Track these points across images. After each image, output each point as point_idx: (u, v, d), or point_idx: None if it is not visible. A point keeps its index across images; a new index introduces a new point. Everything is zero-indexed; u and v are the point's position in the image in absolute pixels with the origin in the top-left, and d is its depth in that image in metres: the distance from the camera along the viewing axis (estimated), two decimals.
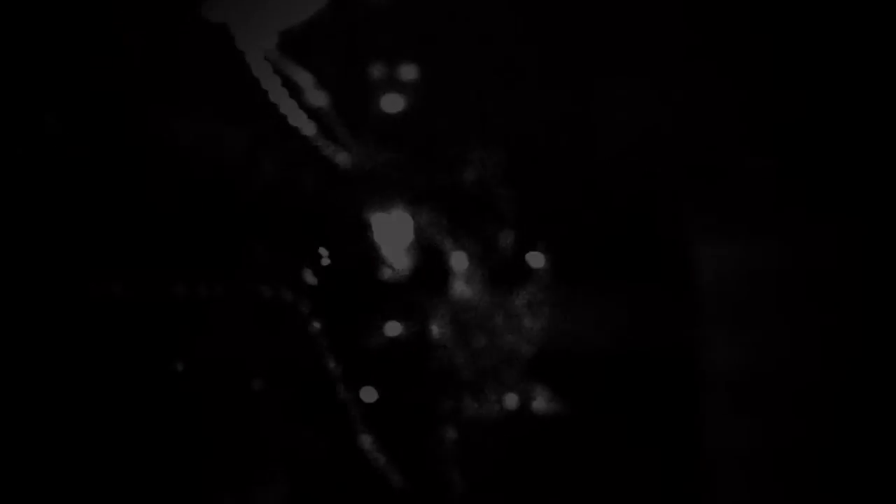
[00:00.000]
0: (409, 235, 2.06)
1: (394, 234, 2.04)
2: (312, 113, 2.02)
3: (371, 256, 1.99)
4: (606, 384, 2.58)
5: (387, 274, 1.97)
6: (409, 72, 2.12)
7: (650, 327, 2.79)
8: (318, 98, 2.03)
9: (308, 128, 2.00)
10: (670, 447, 2.73)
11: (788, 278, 2.73)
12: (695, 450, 2.73)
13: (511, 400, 2.07)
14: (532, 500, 2.09)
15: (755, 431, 2.71)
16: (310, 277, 1.81)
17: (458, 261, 2.08)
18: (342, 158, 2.02)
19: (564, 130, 2.29)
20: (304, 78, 1.98)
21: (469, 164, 2.07)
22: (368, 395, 1.83)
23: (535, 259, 2.10)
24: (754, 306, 2.77)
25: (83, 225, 1.73)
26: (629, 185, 2.64)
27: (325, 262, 1.73)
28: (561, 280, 2.44)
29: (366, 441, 1.81)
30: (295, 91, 2.00)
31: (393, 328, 1.85)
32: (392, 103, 2.14)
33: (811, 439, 2.70)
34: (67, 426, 1.69)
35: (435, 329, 2.03)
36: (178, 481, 1.70)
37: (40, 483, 1.68)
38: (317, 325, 1.76)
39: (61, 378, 1.69)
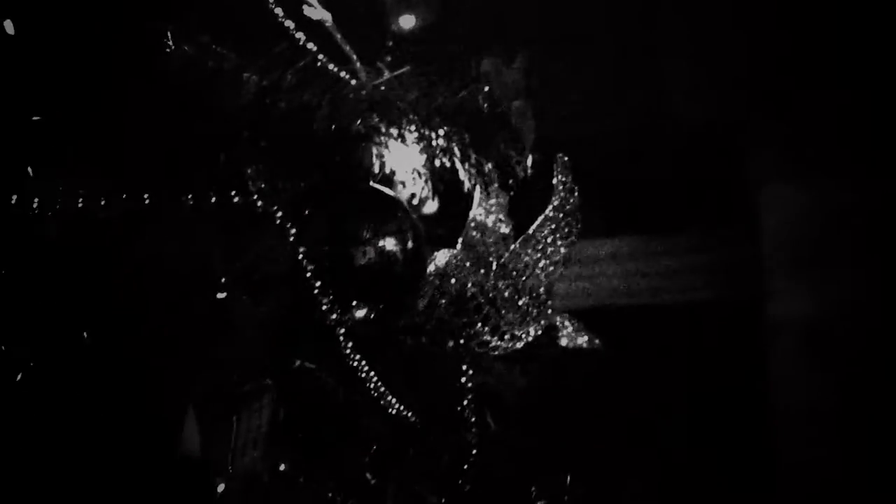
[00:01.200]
0: (421, 156, 1.94)
1: (406, 154, 1.93)
2: (320, 28, 1.92)
3: (379, 177, 1.87)
4: (667, 331, 2.45)
5: (393, 195, 1.85)
6: None
7: (715, 272, 2.66)
8: (326, 14, 1.93)
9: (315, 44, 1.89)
10: (736, 395, 2.58)
11: (856, 219, 2.58)
12: (763, 397, 2.59)
13: (532, 331, 1.93)
14: (567, 438, 1.95)
15: (824, 377, 2.56)
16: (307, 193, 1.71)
17: (475, 183, 1.95)
18: (353, 76, 1.91)
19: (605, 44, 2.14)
20: None
21: (486, 81, 1.94)
22: (361, 313, 1.71)
23: (559, 182, 1.96)
24: (822, 249, 2.61)
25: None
26: (687, 120, 2.50)
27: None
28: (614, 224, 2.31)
29: (358, 366, 1.69)
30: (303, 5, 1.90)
31: (391, 246, 1.73)
32: (406, 21, 2.03)
33: (881, 385, 2.55)
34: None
35: (445, 254, 1.90)
36: (159, 404, 1.60)
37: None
38: (304, 240, 1.64)
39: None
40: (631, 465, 2.27)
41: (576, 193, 1.97)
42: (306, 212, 1.63)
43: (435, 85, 1.93)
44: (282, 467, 1.61)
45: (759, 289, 2.63)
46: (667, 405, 2.48)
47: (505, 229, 1.97)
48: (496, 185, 1.95)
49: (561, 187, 1.97)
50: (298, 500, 1.58)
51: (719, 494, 2.50)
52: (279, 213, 1.63)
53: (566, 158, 1.97)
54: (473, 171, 1.95)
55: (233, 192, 1.61)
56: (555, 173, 1.97)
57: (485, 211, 1.96)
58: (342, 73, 1.90)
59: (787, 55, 2.47)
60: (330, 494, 1.64)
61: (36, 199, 1.57)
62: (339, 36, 1.93)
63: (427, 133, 1.91)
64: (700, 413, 2.55)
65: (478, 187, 1.94)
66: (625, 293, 2.54)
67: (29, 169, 1.62)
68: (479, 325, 1.88)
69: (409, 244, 1.73)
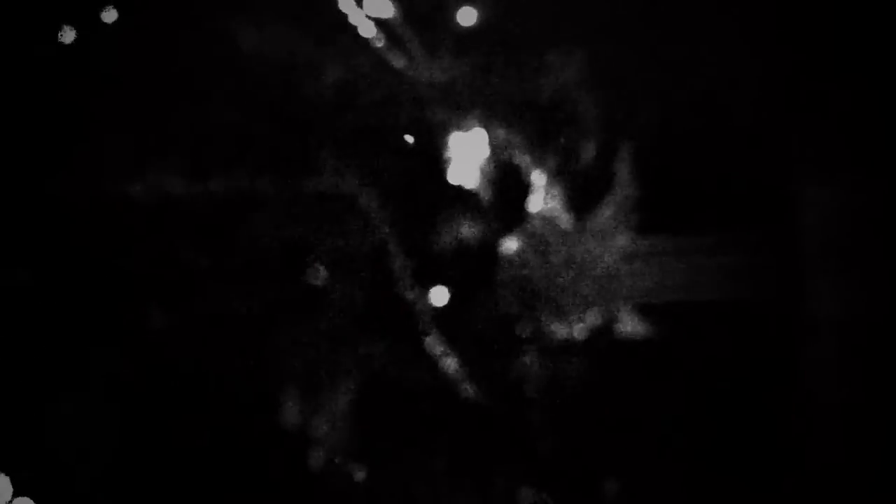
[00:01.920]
0: (485, 150, 1.97)
1: (469, 148, 1.96)
2: (381, 24, 1.95)
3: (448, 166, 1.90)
4: (705, 328, 2.47)
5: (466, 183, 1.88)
6: None
7: (749, 271, 2.68)
8: (388, 9, 1.96)
9: (377, 38, 1.92)
10: (770, 395, 2.61)
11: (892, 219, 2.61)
12: (797, 397, 2.62)
13: (593, 317, 1.96)
14: (610, 424, 1.98)
15: (859, 377, 2.59)
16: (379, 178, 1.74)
17: (538, 175, 1.99)
18: (414, 71, 1.94)
19: (658, 41, 2.18)
20: None
21: (547, 74, 1.98)
22: (439, 297, 1.74)
23: (619, 172, 2.00)
24: (858, 249, 2.65)
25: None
26: (728, 118, 2.53)
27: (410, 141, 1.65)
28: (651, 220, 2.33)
29: (434, 346, 1.72)
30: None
31: (466, 232, 1.76)
32: (466, 16, 2.06)
33: None
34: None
35: (513, 242, 1.93)
36: (241, 387, 1.62)
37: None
38: (386, 225, 1.68)
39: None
40: (668, 457, 2.29)
41: (638, 185, 2.00)
42: (389, 197, 1.65)
43: (498, 77, 1.97)
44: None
45: (795, 289, 2.66)
46: (702, 403, 2.51)
47: (567, 220, 2.00)
48: (559, 176, 1.98)
49: (623, 178, 2.00)
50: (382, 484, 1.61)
51: (748, 493, 2.53)
52: (362, 198, 1.66)
53: (629, 149, 2.00)
54: (536, 162, 1.98)
55: (318, 177, 1.65)
56: (617, 164, 2.00)
57: (548, 202, 1.99)
58: (406, 67, 1.93)
59: (827, 54, 2.50)
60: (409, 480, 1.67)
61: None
62: (402, 29, 1.97)
63: (491, 125, 1.94)
64: (733, 411, 2.58)
65: (540, 179, 1.97)
66: (668, 289, 2.57)
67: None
68: (545, 311, 1.91)
69: (482, 231, 1.76)
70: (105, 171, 1.63)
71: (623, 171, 1.99)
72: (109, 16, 1.67)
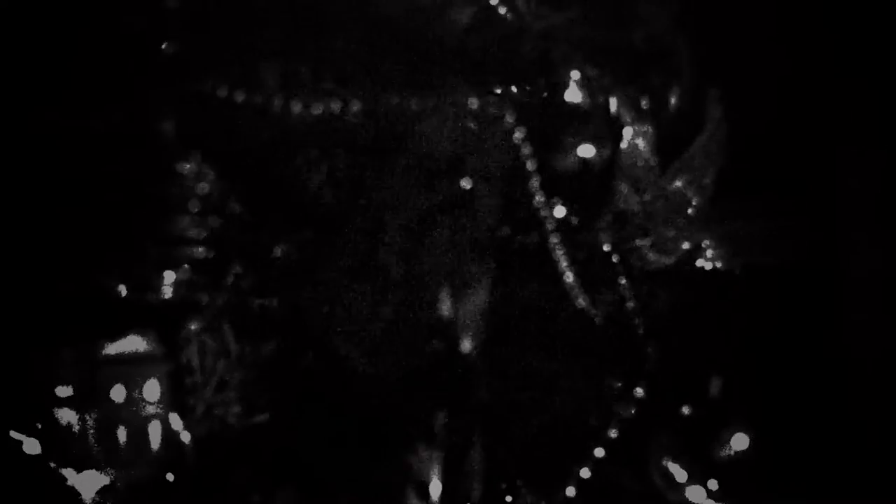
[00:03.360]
0: (581, 91, 2.12)
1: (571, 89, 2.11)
2: None
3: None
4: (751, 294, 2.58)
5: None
6: None
7: (790, 234, 2.85)
8: None
9: None
10: (813, 352, 2.78)
11: None
12: (838, 353, 2.78)
13: (684, 247, 2.12)
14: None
15: None
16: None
17: (628, 116, 2.14)
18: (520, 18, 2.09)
19: None
20: None
21: (638, 20, 2.13)
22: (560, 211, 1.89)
23: (711, 110, 2.16)
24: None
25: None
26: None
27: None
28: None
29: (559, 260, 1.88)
30: None
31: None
32: None
33: None
34: None
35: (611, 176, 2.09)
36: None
37: None
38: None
39: None
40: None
41: (725, 126, 2.16)
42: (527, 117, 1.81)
43: (595, 24, 2.12)
44: None
45: (836, 253, 2.83)
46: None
47: (654, 159, 2.15)
48: (650, 117, 2.14)
49: (712, 121, 2.16)
50: None
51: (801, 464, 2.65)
52: (506, 116, 1.81)
53: (718, 92, 2.16)
54: (628, 103, 2.14)
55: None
56: (707, 107, 2.16)
57: (638, 139, 2.14)
58: (510, 16, 2.08)
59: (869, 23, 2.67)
60: None
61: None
62: None
63: (588, 70, 2.10)
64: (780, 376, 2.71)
65: (631, 118, 2.13)
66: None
67: None
68: (639, 239, 2.08)
69: (604, 153, 1.93)
70: None
71: (714, 114, 2.15)
72: None
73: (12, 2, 1.74)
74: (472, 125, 1.78)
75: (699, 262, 2.18)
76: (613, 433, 1.93)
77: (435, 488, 1.74)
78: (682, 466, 1.98)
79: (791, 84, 2.74)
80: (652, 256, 2.10)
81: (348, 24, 1.85)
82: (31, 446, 1.73)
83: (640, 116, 2.14)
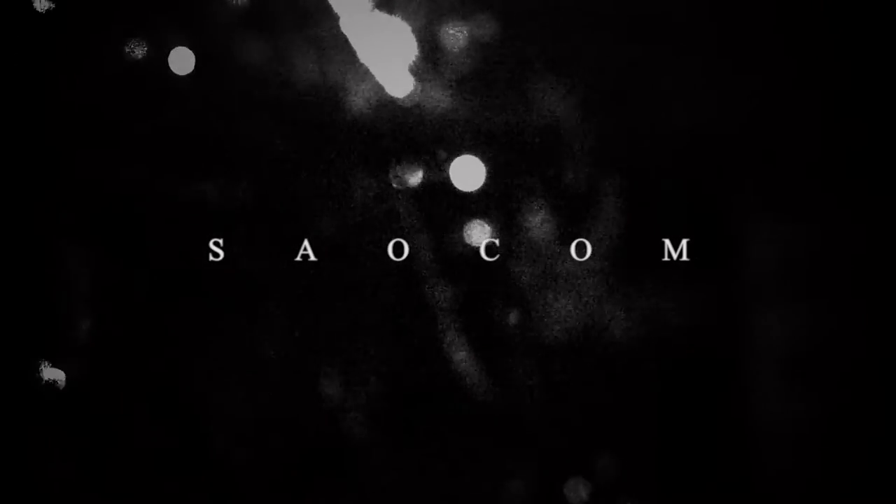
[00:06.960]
0: (480, 178, 2.18)
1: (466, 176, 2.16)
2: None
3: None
4: (652, 368, 2.60)
5: None
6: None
7: (696, 309, 2.85)
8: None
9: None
10: (717, 423, 2.78)
11: (831, 261, 2.79)
12: (744, 424, 2.78)
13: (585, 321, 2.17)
14: None
15: (804, 409, 2.74)
16: None
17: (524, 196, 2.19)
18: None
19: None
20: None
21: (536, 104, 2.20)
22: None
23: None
24: (801, 287, 2.82)
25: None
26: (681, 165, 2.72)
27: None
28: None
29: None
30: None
31: None
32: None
33: (859, 417, 2.73)
34: None
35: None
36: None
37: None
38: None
39: None
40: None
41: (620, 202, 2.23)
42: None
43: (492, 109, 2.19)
44: None
45: (740, 321, 2.83)
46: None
47: (552, 234, 2.21)
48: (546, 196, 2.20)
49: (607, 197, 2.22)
50: None
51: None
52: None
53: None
54: (524, 183, 2.20)
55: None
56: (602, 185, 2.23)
57: (535, 217, 2.19)
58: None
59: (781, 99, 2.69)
60: None
61: None
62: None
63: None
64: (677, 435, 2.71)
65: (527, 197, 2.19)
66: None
67: None
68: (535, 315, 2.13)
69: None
70: None
71: (608, 204, 2.21)
72: None
73: None
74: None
75: (600, 335, 2.23)
76: None
77: None
78: None
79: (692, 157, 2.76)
80: (553, 330, 2.15)
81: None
82: None
83: (535, 195, 2.19)
